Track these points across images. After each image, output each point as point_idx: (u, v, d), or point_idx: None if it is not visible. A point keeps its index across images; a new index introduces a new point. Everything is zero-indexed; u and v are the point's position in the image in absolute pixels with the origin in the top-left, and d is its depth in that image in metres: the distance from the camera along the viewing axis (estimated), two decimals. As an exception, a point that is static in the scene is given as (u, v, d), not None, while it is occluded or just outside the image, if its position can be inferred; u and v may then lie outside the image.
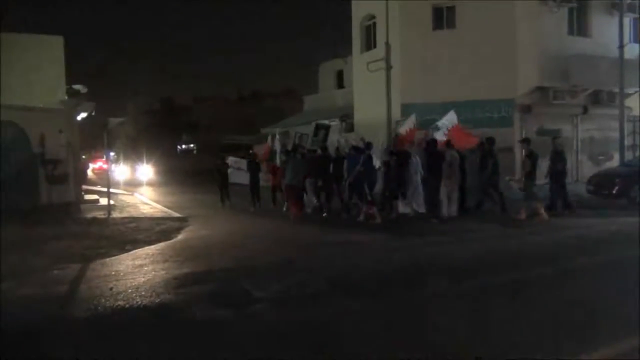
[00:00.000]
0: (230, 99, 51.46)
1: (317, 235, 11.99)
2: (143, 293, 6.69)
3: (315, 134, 19.28)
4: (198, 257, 9.19)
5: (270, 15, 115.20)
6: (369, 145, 13.99)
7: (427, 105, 20.23)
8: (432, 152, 13.33)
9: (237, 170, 20.39)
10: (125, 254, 9.60)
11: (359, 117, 23.67)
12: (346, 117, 25.31)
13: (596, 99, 21.20)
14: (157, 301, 6.36)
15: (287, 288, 6.84)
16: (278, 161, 17.55)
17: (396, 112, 20.60)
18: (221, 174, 18.79)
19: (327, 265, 8.34)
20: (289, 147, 16.98)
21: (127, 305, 6.21)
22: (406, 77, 20.47)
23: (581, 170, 21.46)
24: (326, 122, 21.59)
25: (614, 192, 15.63)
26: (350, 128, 24.10)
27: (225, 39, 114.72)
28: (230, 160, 20.72)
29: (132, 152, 40.44)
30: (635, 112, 21.66)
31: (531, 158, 13.20)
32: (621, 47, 18.60)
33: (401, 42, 20.58)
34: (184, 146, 55.23)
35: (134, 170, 36.89)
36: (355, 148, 14.19)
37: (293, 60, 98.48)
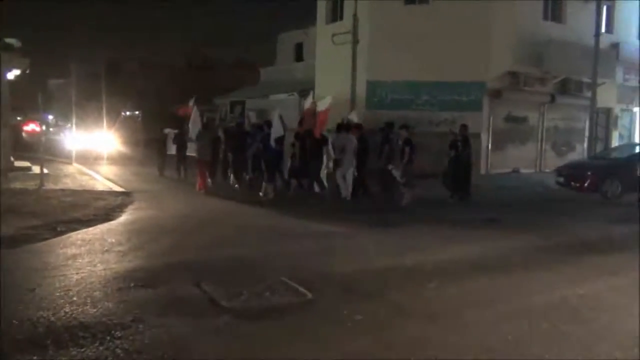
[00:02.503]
0: (180, 66, 48.90)
1: (270, 219, 10.87)
2: (75, 299, 5.25)
3: (232, 110, 19.01)
4: (145, 247, 7.77)
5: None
6: (268, 123, 14.08)
7: (394, 83, 19.23)
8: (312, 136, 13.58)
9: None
10: (57, 239, 8.07)
11: (320, 92, 22.26)
12: (306, 92, 23.95)
13: (563, 88, 20.66)
14: (92, 312, 4.93)
15: (259, 295, 5.60)
16: (193, 134, 16.14)
17: (361, 90, 19.44)
18: (158, 144, 19.09)
19: (294, 263, 7.11)
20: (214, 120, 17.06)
21: (52, 318, 4.76)
22: (374, 53, 19.21)
23: (544, 160, 21.03)
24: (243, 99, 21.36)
25: (585, 185, 15.09)
26: (310, 104, 22.76)
27: (177, 6, 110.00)
28: (167, 131, 19.78)
29: (85, 117, 36.94)
30: (600, 104, 21.28)
31: (409, 145, 12.85)
32: (597, 35, 17.97)
33: (370, 15, 19.29)
34: (128, 113, 52.39)
35: (88, 139, 29.34)
36: (258, 126, 14.76)
37: (249, 30, 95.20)
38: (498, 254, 7.87)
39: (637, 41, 22.49)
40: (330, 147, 13.59)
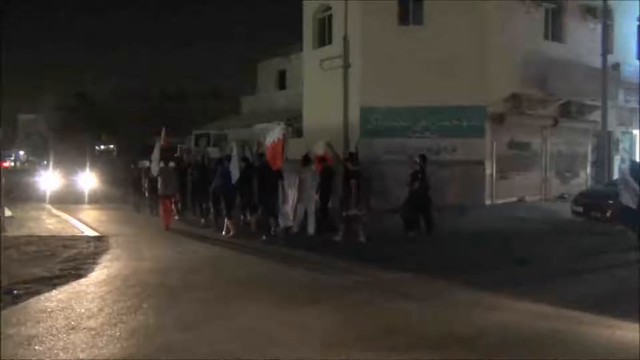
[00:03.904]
0: (156, 97, 47.34)
1: (258, 267, 9.49)
2: None
3: (197, 144, 18.36)
4: (124, 320, 6.03)
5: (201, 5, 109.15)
6: (228, 158, 13.59)
7: (390, 109, 17.89)
8: (267, 171, 12.64)
9: None
10: (10, 310, 6.37)
11: (309, 121, 20.96)
12: (293, 121, 22.57)
13: (565, 110, 19.62)
14: None
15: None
16: (154, 170, 15.29)
17: (354, 117, 18.13)
18: (133, 179, 18.25)
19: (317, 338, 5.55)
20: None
21: None
22: (367, 78, 17.87)
23: (549, 187, 19.81)
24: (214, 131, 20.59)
25: (607, 215, 13.83)
26: (298, 133, 21.37)
27: (151, 33, 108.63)
28: (141, 165, 18.59)
29: (59, 152, 34.92)
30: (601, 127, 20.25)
31: (356, 177, 12.09)
32: (604, 54, 16.95)
33: (362, 37, 18.02)
34: (102, 147, 50.47)
35: (63, 176, 26.87)
36: (220, 160, 14.23)
37: (226, 58, 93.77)
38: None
39: (637, 62, 21.69)
40: (285, 181, 12.48)
